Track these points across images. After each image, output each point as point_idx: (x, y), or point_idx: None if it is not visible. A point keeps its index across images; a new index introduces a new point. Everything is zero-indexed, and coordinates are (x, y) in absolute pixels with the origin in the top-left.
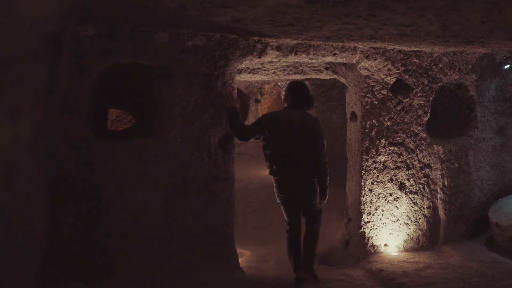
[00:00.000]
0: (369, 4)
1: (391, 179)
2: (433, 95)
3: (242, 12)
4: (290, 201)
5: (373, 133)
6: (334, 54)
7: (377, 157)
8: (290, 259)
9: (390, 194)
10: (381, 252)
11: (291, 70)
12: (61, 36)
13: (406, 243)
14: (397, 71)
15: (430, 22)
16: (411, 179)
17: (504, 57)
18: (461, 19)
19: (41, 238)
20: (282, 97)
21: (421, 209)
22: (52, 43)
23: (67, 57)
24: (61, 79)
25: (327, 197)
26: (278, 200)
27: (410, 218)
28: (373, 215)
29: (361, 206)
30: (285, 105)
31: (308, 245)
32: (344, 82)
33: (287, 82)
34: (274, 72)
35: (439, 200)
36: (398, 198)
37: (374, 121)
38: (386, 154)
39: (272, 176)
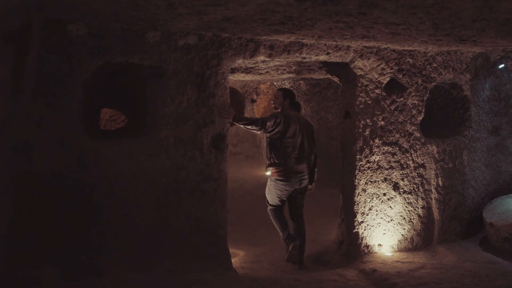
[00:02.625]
0: (358, 2)
1: (385, 179)
2: (427, 95)
3: (232, 10)
4: (288, 190)
5: (367, 132)
6: (328, 53)
7: (371, 156)
8: (281, 225)
9: (384, 194)
10: (375, 252)
11: (285, 69)
12: (27, 30)
13: (400, 243)
14: (391, 71)
15: (421, 21)
16: (405, 179)
17: (499, 57)
18: (452, 17)
19: (2, 237)
20: (275, 102)
21: (415, 209)
22: (14, 38)
23: (35, 53)
24: (28, 75)
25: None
26: (278, 190)
27: (404, 218)
28: (367, 215)
29: (355, 206)
30: (280, 108)
31: (302, 232)
32: (338, 82)
33: (279, 88)
34: (267, 72)
35: (433, 200)
36: (392, 198)
37: (368, 120)
38: (380, 154)
39: (276, 168)
